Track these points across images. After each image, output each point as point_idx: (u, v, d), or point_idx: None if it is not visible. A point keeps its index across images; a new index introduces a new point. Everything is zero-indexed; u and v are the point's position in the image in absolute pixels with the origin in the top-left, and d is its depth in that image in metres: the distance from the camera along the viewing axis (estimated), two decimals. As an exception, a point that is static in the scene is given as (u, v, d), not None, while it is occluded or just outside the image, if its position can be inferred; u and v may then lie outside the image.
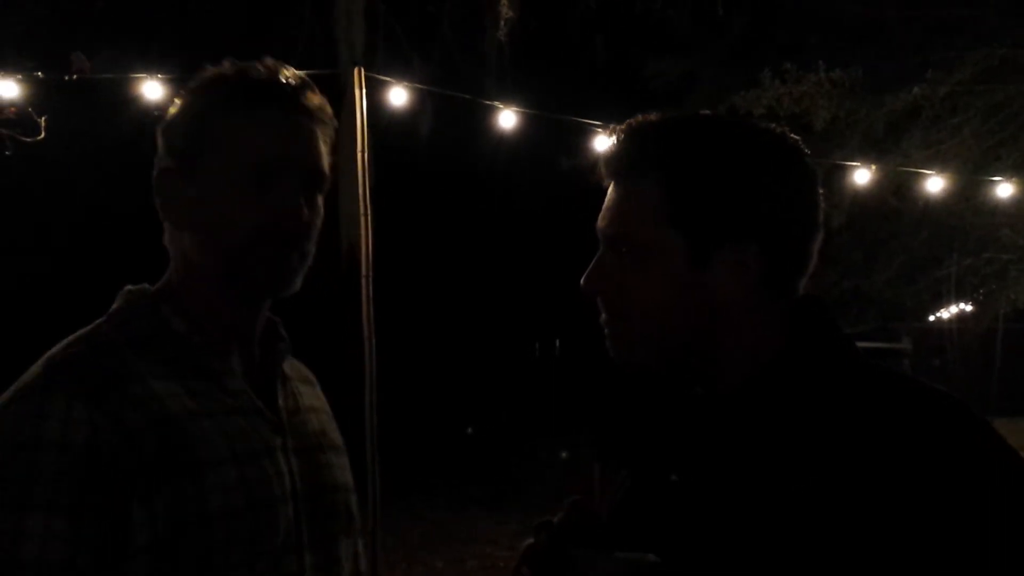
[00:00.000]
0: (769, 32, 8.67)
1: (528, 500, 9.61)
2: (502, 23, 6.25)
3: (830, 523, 0.91)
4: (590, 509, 1.12)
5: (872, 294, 11.82)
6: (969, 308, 15.07)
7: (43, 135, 4.50)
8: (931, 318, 17.10)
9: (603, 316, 1.11)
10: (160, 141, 1.20)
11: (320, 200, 1.22)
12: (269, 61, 1.18)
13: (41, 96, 4.51)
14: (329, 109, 1.23)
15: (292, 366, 1.34)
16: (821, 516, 0.92)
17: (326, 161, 1.22)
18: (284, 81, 1.17)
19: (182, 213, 1.17)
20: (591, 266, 1.11)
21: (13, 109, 4.40)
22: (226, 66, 1.19)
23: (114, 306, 1.19)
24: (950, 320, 16.78)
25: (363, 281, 4.89)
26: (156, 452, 1.03)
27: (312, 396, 1.35)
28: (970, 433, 0.95)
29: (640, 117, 1.10)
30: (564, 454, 15.52)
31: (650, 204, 1.05)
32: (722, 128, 1.11)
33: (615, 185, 1.10)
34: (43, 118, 4.47)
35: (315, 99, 1.20)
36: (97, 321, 1.16)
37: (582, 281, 1.10)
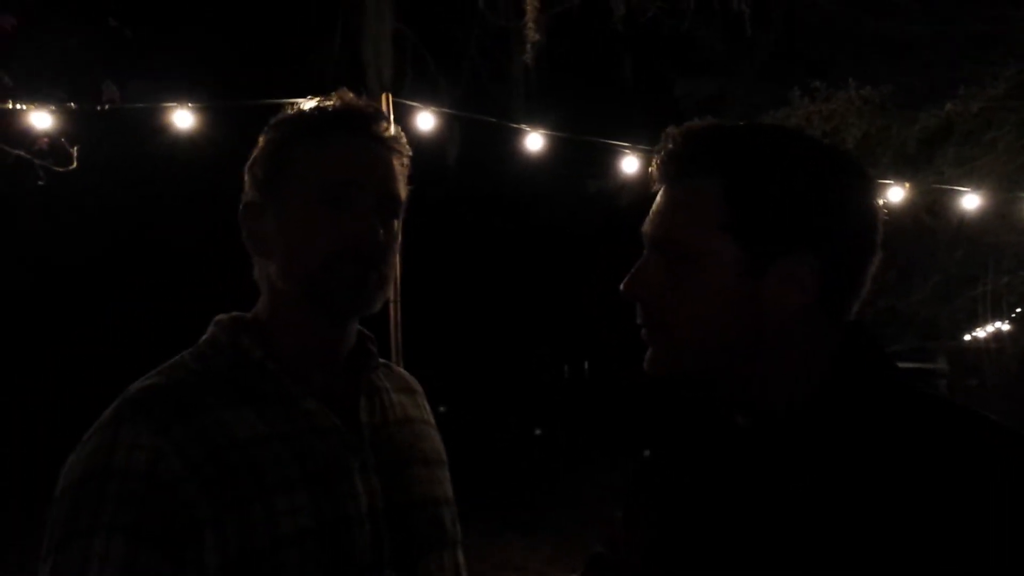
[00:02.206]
0: (799, 50, 8.61)
1: (561, 525, 9.53)
2: (528, 46, 6.25)
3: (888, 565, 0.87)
4: (612, 563, 1.07)
5: (908, 314, 11.64)
6: (1006, 327, 14.81)
7: (75, 165, 4.55)
8: (967, 337, 16.83)
9: (642, 324, 1.05)
10: (246, 178, 1.25)
11: (396, 225, 1.26)
12: (344, 93, 1.25)
13: (73, 126, 4.56)
14: (404, 139, 1.28)
15: (392, 377, 1.39)
16: (880, 558, 0.87)
17: (401, 187, 1.26)
18: (358, 110, 1.23)
19: (266, 242, 1.22)
20: (633, 270, 1.05)
21: (46, 139, 4.46)
22: (304, 103, 1.25)
23: (204, 336, 1.24)
24: (987, 339, 16.50)
25: (392, 306, 4.87)
26: (221, 478, 1.06)
27: (411, 406, 1.37)
28: None
29: (699, 121, 1.05)
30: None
31: (707, 208, 1.00)
32: (788, 137, 1.05)
33: (669, 187, 1.05)
34: (75, 148, 4.52)
35: (389, 129, 1.25)
36: (183, 352, 1.22)
37: (622, 286, 1.04)
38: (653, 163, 1.07)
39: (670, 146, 1.04)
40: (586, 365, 23.10)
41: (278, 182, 1.21)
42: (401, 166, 1.26)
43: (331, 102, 1.24)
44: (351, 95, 1.25)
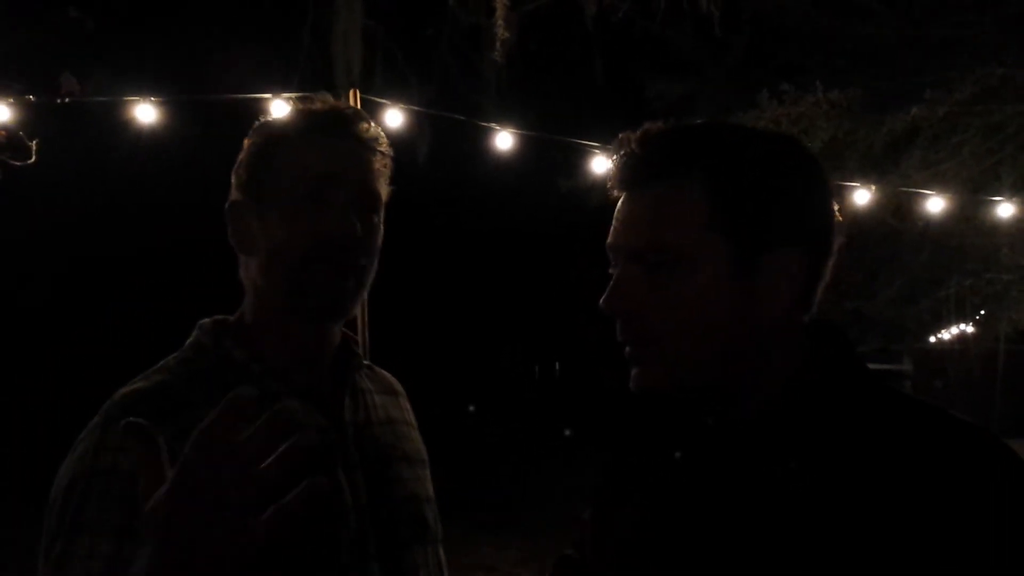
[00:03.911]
0: (769, 53, 8.66)
1: (530, 525, 9.54)
2: (498, 44, 6.21)
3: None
4: (581, 565, 1.04)
5: (873, 316, 11.78)
6: (970, 329, 15.04)
7: (34, 159, 4.46)
8: (932, 339, 17.07)
9: (627, 341, 1.01)
10: (232, 180, 1.29)
11: (377, 221, 1.29)
12: (326, 95, 1.31)
13: (32, 119, 4.47)
14: (385, 140, 1.31)
15: (375, 379, 1.43)
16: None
17: (381, 185, 1.29)
18: (338, 111, 1.28)
19: (250, 240, 1.25)
20: (612, 284, 1.00)
21: (3, 133, 4.36)
22: (288, 107, 1.28)
23: (188, 340, 1.27)
24: (951, 341, 16.75)
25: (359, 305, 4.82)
26: None
27: (393, 407, 1.41)
28: (1009, 467, 0.90)
29: (660, 124, 1.02)
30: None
31: (691, 208, 0.97)
32: (755, 132, 1.05)
33: (639, 193, 1.01)
34: (34, 141, 4.44)
35: (370, 129, 1.29)
36: (167, 357, 1.25)
37: (602, 301, 1.00)
38: (613, 169, 1.03)
39: (634, 150, 1.00)
40: (557, 365, 23.13)
41: (261, 181, 1.24)
42: (382, 166, 1.30)
43: (314, 104, 1.28)
44: (331, 98, 1.30)
